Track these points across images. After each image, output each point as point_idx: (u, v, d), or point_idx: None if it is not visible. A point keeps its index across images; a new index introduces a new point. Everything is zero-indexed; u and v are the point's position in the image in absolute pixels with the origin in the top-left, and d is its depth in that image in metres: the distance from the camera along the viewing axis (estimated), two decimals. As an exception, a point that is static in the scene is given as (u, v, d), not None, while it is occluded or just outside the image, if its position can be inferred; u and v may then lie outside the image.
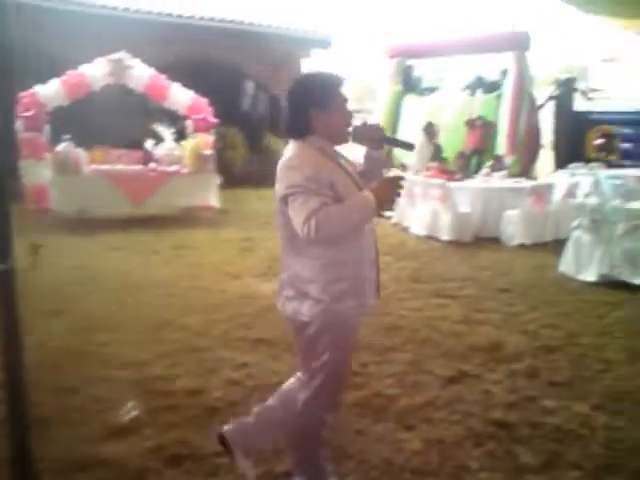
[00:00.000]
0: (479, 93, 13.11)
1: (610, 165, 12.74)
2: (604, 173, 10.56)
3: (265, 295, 5.77)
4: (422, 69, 14.73)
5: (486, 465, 2.93)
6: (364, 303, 2.51)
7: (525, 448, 3.10)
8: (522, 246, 8.11)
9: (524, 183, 9.26)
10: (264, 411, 2.66)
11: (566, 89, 15.07)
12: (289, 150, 2.43)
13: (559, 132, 15.09)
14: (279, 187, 2.36)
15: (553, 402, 3.61)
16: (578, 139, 14.66)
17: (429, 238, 8.62)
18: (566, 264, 6.69)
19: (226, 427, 2.64)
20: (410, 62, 14.01)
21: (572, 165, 11.86)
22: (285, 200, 2.32)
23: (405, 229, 9.38)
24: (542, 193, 8.50)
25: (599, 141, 14.68)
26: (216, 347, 4.43)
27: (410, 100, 13.45)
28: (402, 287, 6.15)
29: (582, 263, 6.48)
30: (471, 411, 3.49)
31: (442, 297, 5.83)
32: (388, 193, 2.33)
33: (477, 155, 11.99)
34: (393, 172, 2.48)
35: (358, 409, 3.48)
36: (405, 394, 3.69)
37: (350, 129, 2.51)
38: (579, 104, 15.71)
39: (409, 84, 13.86)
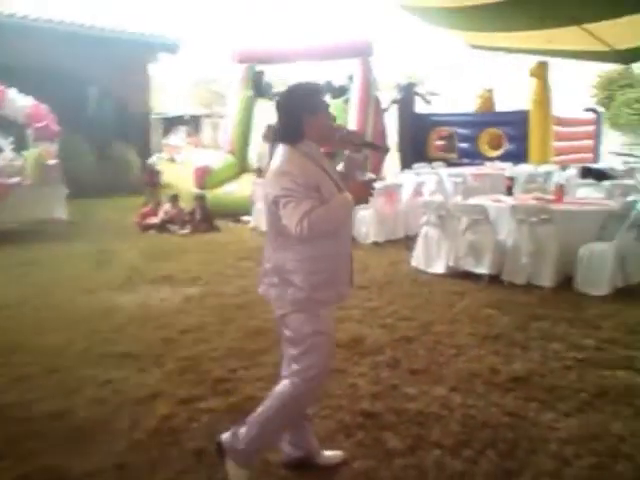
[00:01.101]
0: (328, 98, 13.53)
1: (450, 164, 13.72)
2: (446, 172, 11.38)
3: (126, 308, 5.60)
4: (272, 74, 14.93)
5: (358, 454, 3.07)
6: (340, 293, 2.75)
7: (392, 434, 3.27)
8: (376, 244, 8.50)
9: (374, 184, 9.69)
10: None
11: (408, 93, 16.00)
12: (279, 155, 2.65)
13: (403, 134, 15.99)
14: (271, 190, 2.60)
15: (414, 388, 3.84)
16: (421, 140, 15.62)
17: (288, 241, 8.74)
18: (417, 258, 7.12)
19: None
20: (260, 68, 14.14)
21: (417, 165, 12.62)
22: (277, 202, 2.55)
23: (263, 233, 9.38)
24: (392, 193, 8.96)
25: (440, 142, 15.74)
26: (76, 366, 4.22)
27: (262, 105, 13.57)
28: (265, 290, 6.21)
29: (431, 257, 6.93)
30: (340, 404, 3.61)
31: (305, 297, 5.95)
32: (363, 194, 2.70)
33: (329, 158, 12.37)
34: (368, 175, 2.92)
35: (231, 414, 3.48)
36: (276, 395, 3.74)
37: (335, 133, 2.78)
38: (420, 107, 16.74)
39: (260, 89, 13.98)
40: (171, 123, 35.14)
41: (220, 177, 12.06)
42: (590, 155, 16.26)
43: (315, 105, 2.65)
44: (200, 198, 10.35)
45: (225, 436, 2.76)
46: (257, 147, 12.24)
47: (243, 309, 5.58)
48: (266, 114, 12.97)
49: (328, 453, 3.03)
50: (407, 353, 4.47)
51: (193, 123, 39.12)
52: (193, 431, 3.30)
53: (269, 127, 11.20)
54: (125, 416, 3.47)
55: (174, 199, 10.33)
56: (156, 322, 5.18)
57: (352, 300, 5.84)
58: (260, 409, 2.74)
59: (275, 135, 2.75)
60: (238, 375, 4.08)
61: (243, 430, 2.71)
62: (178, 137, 34.02)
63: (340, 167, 2.90)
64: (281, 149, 2.67)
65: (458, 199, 7.76)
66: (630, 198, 6.88)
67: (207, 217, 10.05)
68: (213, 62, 36.27)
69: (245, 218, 10.48)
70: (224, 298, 5.96)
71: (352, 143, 2.84)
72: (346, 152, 2.90)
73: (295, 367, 2.69)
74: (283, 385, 2.71)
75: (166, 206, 10.19)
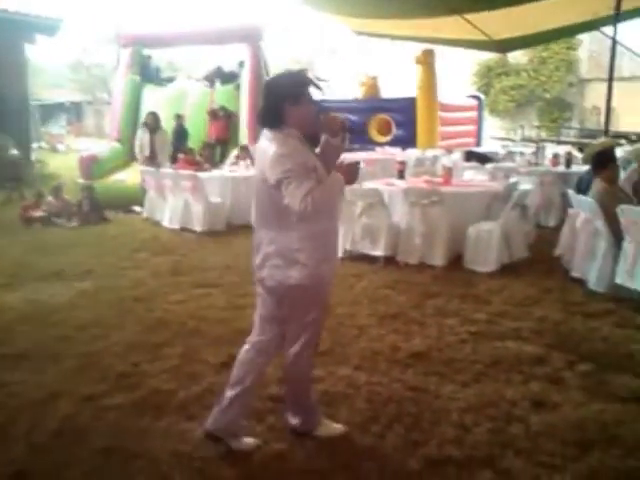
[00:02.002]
0: (218, 84, 13.32)
1: (342, 150, 13.87)
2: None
3: (14, 306, 5.30)
4: (160, 59, 14.50)
5: (270, 438, 3.10)
6: (334, 268, 2.97)
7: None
8: (273, 230, 8.50)
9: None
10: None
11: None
12: (272, 140, 2.75)
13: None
14: (271, 173, 2.70)
15: (320, 370, 3.88)
16: (312, 126, 15.68)
17: (183, 230, 8.63)
18: (315, 243, 7.20)
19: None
20: (147, 52, 13.68)
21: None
22: (279, 184, 2.67)
23: (157, 223, 9.24)
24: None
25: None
26: (-37, 371, 3.96)
27: (149, 90, 13.17)
28: (163, 282, 6.09)
29: (329, 241, 7.03)
30: (248, 391, 3.62)
31: (204, 287, 5.89)
32: (351, 175, 2.87)
33: (221, 145, 12.22)
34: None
35: (137, 409, 3.40)
36: (182, 386, 3.70)
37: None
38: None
39: (147, 74, 13.54)
40: (50, 110, 33.35)
41: (108, 166, 11.60)
42: (473, 139, 17.10)
43: (297, 96, 2.77)
44: (87, 189, 9.89)
45: (294, 421, 3.13)
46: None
47: (141, 301, 5.44)
48: (155, 100, 12.65)
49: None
50: (311, 336, 4.53)
51: (74, 110, 37.34)
52: (99, 429, 3.20)
53: (150, 114, 10.82)
54: (23, 420, 3.29)
55: (57, 190, 9.81)
56: (49, 319, 4.94)
57: (252, 288, 5.78)
58: (292, 389, 3.14)
59: (259, 119, 2.85)
60: (142, 369, 3.98)
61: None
62: (59, 125, 32.39)
63: (316, 151, 2.96)
64: (269, 134, 2.79)
65: (352, 184, 7.91)
66: (512, 180, 7.33)
67: (96, 208, 9.64)
68: (95, 45, 34.59)
69: (137, 208, 10.16)
70: (120, 291, 5.78)
71: (330, 129, 2.91)
72: (323, 137, 2.95)
73: (301, 339, 2.94)
74: (292, 358, 3.00)
75: (48, 198, 9.67)
